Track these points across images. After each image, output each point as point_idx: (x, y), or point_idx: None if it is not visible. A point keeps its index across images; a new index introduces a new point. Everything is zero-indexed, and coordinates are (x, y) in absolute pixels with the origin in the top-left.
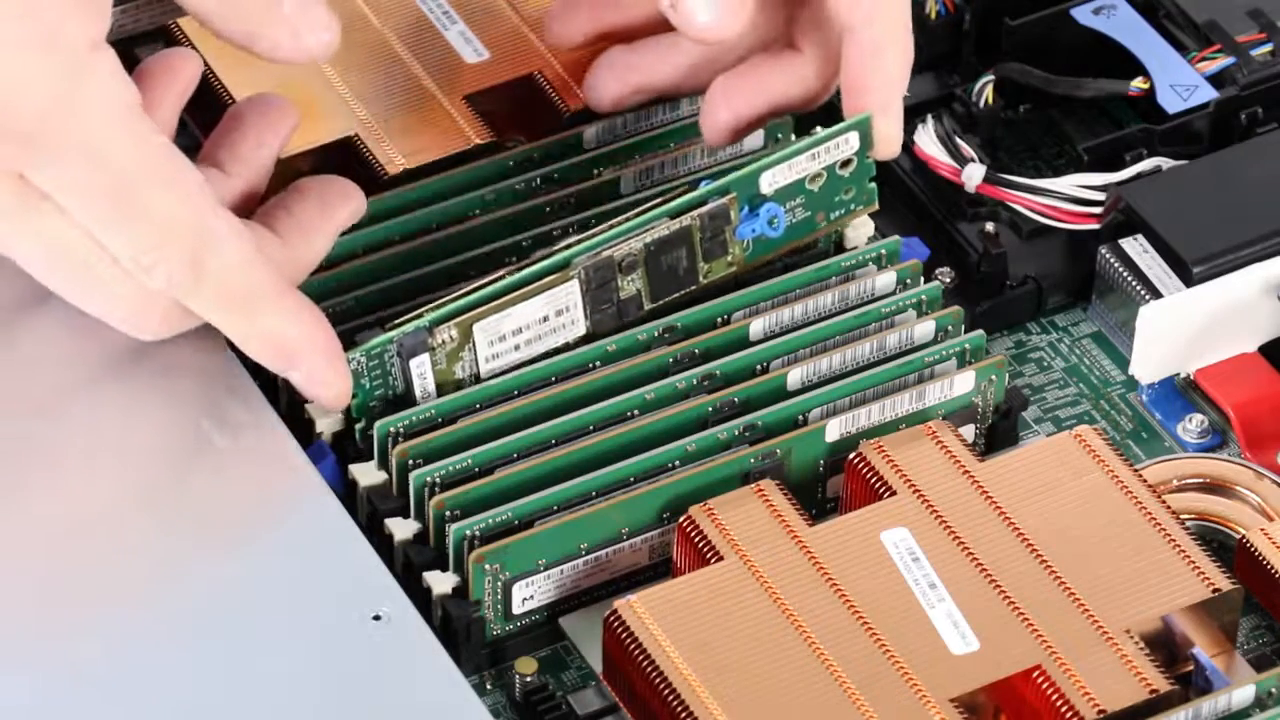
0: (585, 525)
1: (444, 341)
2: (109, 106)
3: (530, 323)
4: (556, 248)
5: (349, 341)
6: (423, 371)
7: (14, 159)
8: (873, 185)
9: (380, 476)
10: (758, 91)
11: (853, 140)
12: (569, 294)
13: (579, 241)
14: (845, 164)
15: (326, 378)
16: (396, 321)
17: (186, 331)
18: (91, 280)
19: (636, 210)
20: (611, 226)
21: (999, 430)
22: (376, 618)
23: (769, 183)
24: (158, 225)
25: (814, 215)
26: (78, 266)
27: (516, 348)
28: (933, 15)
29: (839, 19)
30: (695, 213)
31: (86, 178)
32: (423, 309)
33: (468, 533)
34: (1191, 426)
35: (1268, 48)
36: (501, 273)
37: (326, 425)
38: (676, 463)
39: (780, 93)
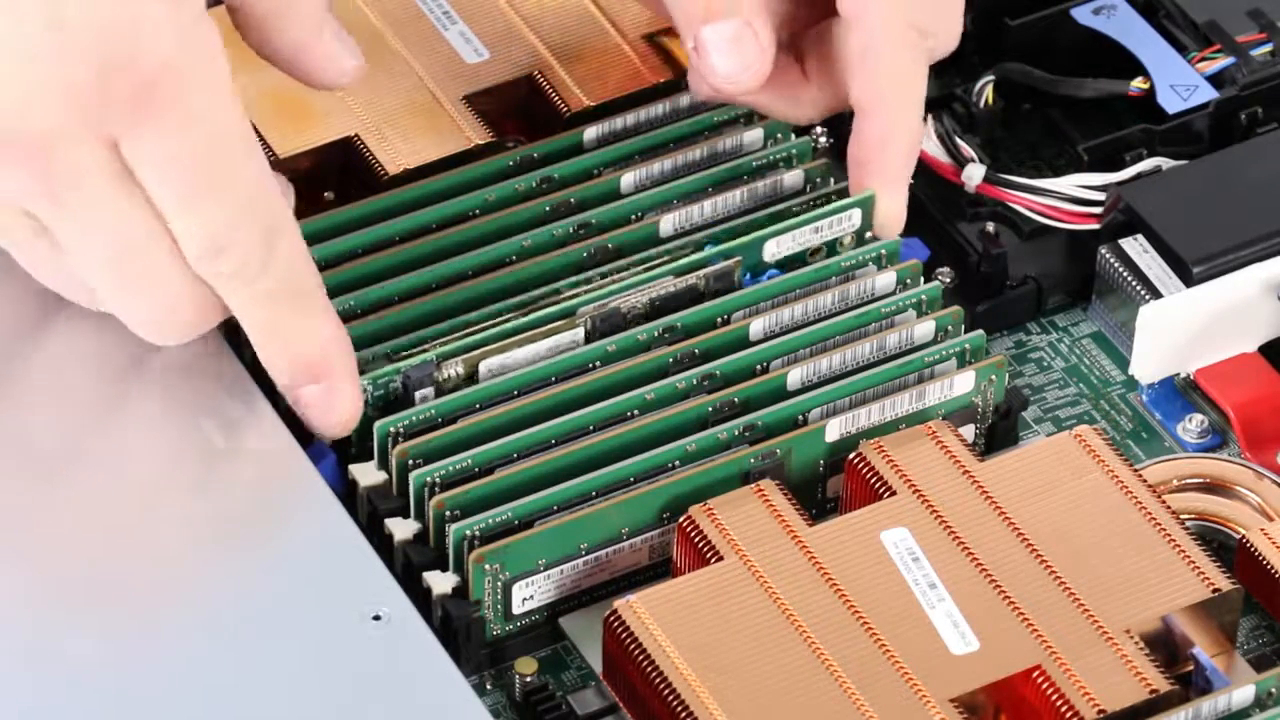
0: (585, 525)
1: (449, 377)
2: (218, 70)
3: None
4: (564, 295)
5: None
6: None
7: (120, 120)
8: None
9: (380, 476)
10: None
11: (855, 217)
12: (572, 342)
13: (587, 291)
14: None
15: (343, 395)
16: (404, 354)
17: None
18: (140, 266)
19: (643, 265)
20: (619, 279)
21: (999, 430)
22: (376, 618)
23: (771, 251)
24: (242, 200)
25: None
26: (132, 249)
27: None
28: None
29: (857, 99)
30: (701, 273)
31: (186, 144)
32: (430, 343)
33: (468, 533)
34: (1191, 426)
35: (1268, 48)
36: (510, 315)
37: None
38: (676, 463)
39: (766, 99)
